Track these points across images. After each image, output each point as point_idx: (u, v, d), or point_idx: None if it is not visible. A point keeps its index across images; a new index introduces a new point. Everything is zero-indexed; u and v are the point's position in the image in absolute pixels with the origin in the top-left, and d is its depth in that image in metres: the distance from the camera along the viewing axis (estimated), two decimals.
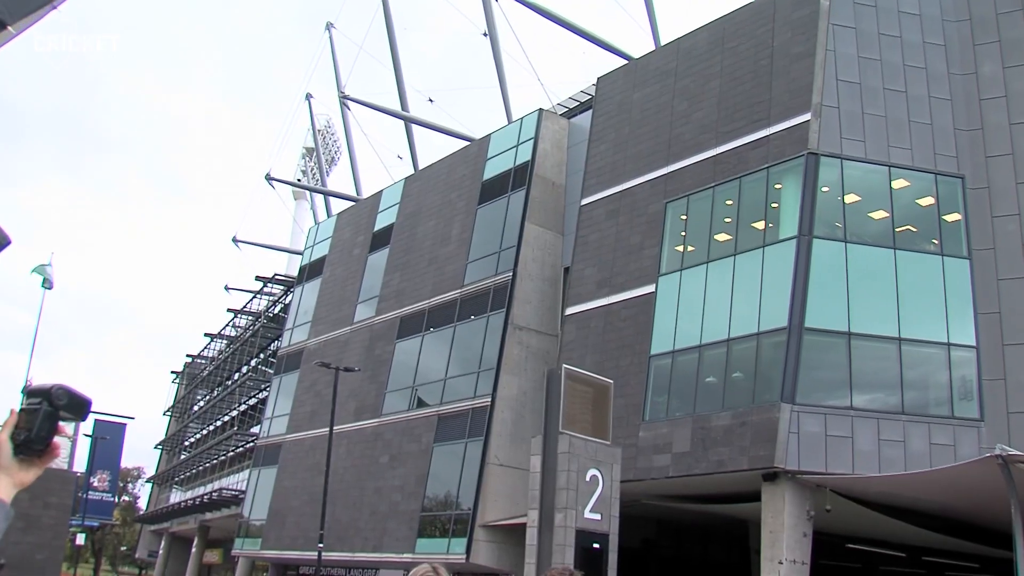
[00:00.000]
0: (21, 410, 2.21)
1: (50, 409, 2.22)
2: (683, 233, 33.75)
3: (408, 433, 40.64)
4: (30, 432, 2.19)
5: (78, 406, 2.28)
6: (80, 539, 44.66)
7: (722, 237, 32.50)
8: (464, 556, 34.33)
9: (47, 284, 48.12)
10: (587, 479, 15.96)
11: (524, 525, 18.13)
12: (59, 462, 42.89)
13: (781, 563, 28.11)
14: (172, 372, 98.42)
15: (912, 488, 27.21)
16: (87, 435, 49.63)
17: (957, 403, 29.33)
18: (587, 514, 15.77)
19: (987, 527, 30.52)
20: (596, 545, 14.89)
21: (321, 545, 26.68)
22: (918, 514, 29.74)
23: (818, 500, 28.75)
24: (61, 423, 2.28)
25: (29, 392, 2.25)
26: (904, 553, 39.12)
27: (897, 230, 30.86)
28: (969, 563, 39.75)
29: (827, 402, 29.05)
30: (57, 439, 2.26)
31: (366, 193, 59.83)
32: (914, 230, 31.57)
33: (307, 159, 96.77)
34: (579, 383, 16.52)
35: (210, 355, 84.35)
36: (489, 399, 36.68)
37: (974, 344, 29.32)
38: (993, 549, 31.93)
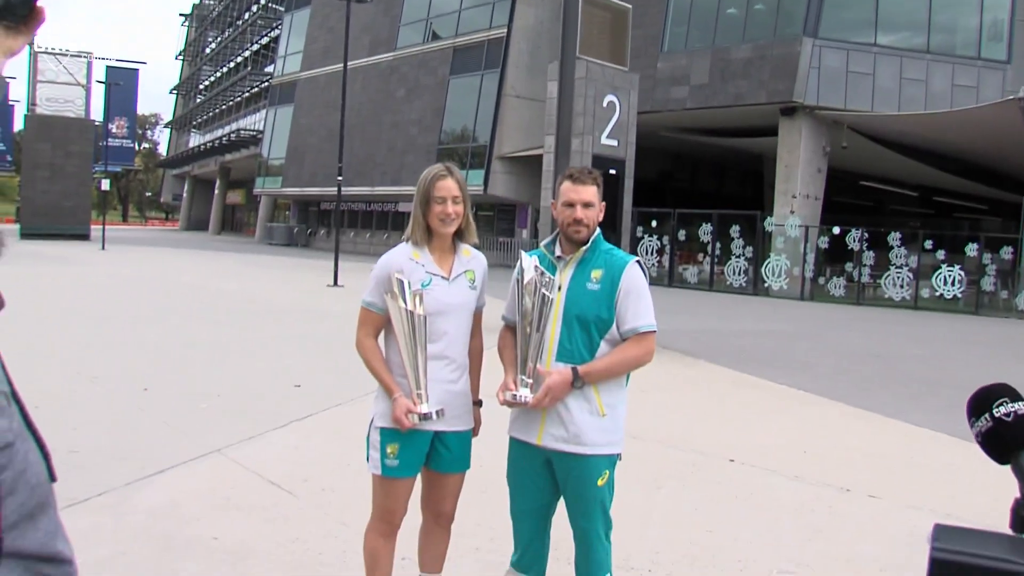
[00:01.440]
0: None
1: None
2: None
3: (424, 66, 40.11)
4: None
5: None
6: (105, 185, 45.20)
7: None
8: (482, 188, 34.87)
9: None
10: (604, 105, 15.73)
11: (540, 156, 18.16)
12: (76, 110, 42.72)
13: (795, 197, 28.55)
14: (180, 15, 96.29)
15: (930, 128, 27.04)
16: (100, 81, 49.01)
17: (985, 44, 28.58)
18: (604, 140, 15.68)
19: (1000, 171, 30.69)
20: (612, 171, 14.90)
21: (340, 178, 26.95)
22: (933, 155, 29.79)
23: (835, 136, 28.74)
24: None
25: None
26: (916, 192, 39.64)
27: None
28: (978, 204, 40.39)
29: (850, 38, 28.31)
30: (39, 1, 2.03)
31: None
32: None
33: None
34: (597, 7, 15.86)
35: None
36: (505, 30, 35.70)
37: None
38: (1003, 192, 32.29)
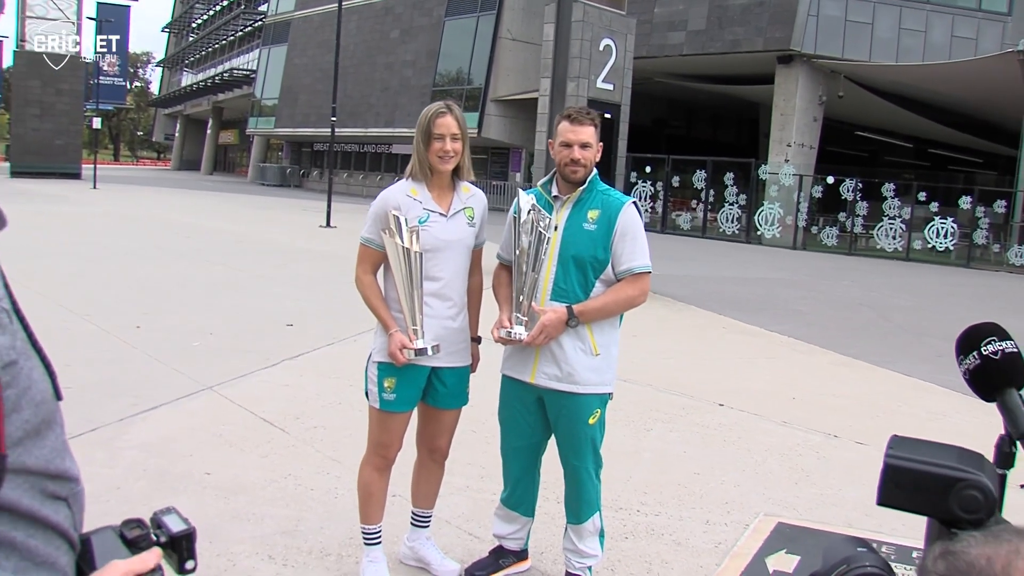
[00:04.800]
0: None
1: None
2: None
3: (419, 7, 39.68)
4: None
5: None
6: (97, 123, 44.62)
7: None
8: (476, 131, 34.64)
9: None
10: (600, 48, 15.62)
11: (535, 100, 18.03)
12: (69, 48, 41.92)
13: (790, 146, 28.45)
14: None
15: (928, 80, 26.87)
16: (91, 18, 48.20)
17: None
18: (600, 84, 15.59)
19: (996, 124, 30.58)
20: (608, 115, 14.76)
21: (334, 119, 26.74)
22: (930, 107, 29.65)
23: (831, 86, 28.56)
24: None
25: None
26: (911, 144, 39.51)
27: None
28: (973, 158, 40.31)
29: None
30: None
31: None
32: None
33: None
34: None
35: None
36: None
37: None
38: (999, 146, 32.22)
